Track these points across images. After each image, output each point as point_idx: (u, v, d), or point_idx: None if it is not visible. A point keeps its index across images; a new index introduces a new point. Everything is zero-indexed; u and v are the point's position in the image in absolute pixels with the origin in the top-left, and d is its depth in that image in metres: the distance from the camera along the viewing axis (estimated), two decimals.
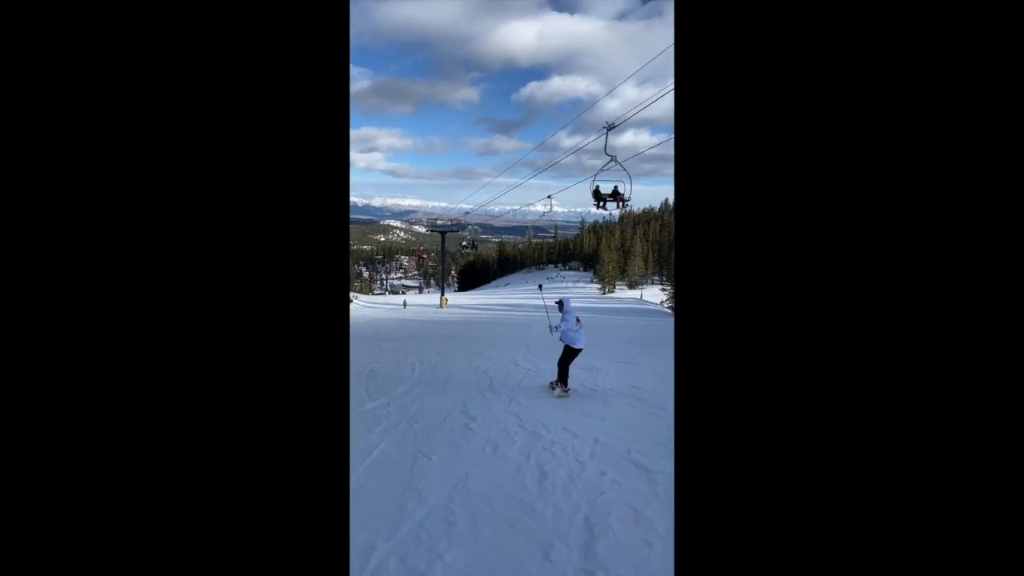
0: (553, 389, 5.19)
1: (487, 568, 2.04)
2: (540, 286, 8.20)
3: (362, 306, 30.80)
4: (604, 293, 53.64)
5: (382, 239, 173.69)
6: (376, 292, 78.81)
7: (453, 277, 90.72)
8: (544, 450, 3.46)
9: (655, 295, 49.92)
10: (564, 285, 59.81)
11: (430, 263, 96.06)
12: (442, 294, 32.69)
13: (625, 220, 70.67)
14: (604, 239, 63.38)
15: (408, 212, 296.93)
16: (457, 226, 33.21)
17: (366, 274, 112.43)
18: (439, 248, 36.67)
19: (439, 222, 36.13)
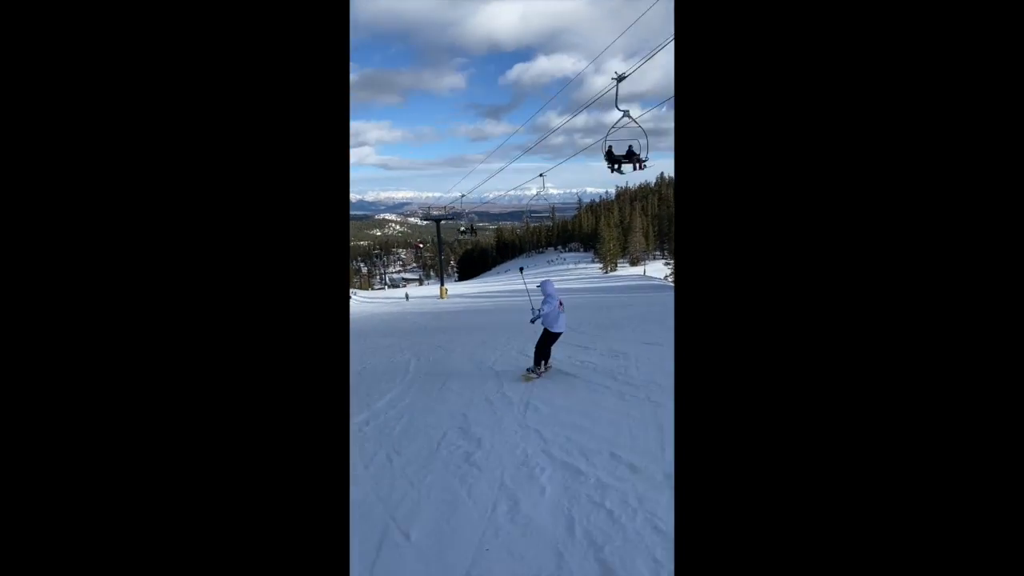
0: (531, 376, 4.67)
1: None
2: (521, 269, 7.16)
3: (360, 301, 29.59)
4: (606, 272, 52.12)
5: (378, 233, 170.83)
6: (376, 287, 77.49)
7: (452, 267, 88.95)
8: (593, 504, 2.22)
9: (659, 270, 48.76)
10: (565, 267, 58.13)
11: (427, 253, 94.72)
12: (442, 284, 31.40)
13: (622, 197, 69.17)
14: (603, 217, 61.45)
15: (403, 204, 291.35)
16: (454, 214, 31.88)
17: (364, 270, 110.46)
18: (436, 238, 35.40)
19: (434, 212, 34.67)
